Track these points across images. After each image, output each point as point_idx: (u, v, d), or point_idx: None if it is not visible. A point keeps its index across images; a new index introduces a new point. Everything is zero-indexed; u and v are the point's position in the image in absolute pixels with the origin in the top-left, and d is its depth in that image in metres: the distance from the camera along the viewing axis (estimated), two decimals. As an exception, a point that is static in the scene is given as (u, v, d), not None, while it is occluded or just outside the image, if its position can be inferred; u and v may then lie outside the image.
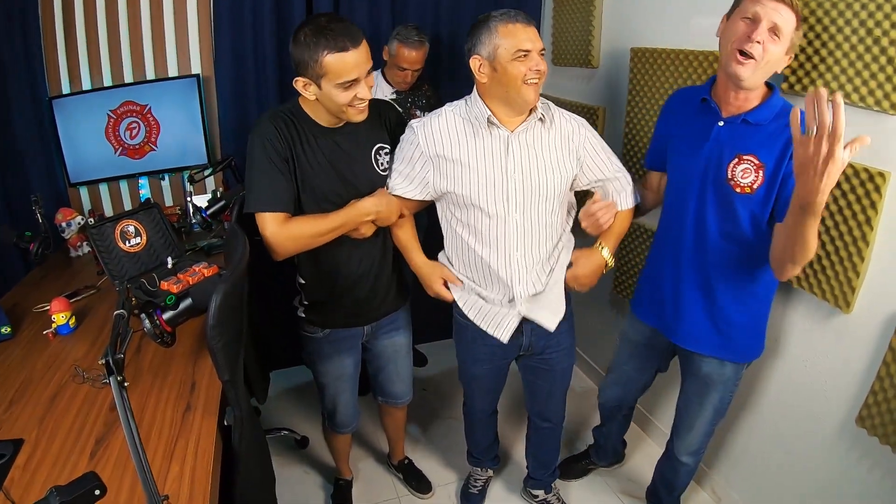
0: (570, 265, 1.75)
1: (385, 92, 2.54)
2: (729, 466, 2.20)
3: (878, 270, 1.57)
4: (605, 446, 2.36)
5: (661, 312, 1.79)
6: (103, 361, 0.86)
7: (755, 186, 1.48)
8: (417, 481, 2.39)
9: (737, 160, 1.51)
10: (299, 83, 1.51)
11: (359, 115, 1.55)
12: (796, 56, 1.63)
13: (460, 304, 1.82)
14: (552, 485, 2.27)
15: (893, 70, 1.43)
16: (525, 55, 1.49)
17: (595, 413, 2.76)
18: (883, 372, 1.54)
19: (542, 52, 1.53)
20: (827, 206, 1.62)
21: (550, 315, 1.77)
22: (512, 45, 1.48)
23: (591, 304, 2.92)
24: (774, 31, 1.39)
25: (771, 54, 1.40)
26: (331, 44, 1.41)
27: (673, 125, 1.72)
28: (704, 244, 1.62)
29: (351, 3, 2.65)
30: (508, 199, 1.62)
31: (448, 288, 1.81)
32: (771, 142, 1.46)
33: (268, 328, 2.69)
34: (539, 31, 2.87)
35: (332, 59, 1.42)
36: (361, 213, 1.62)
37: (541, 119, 1.62)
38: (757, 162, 1.48)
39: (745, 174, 1.50)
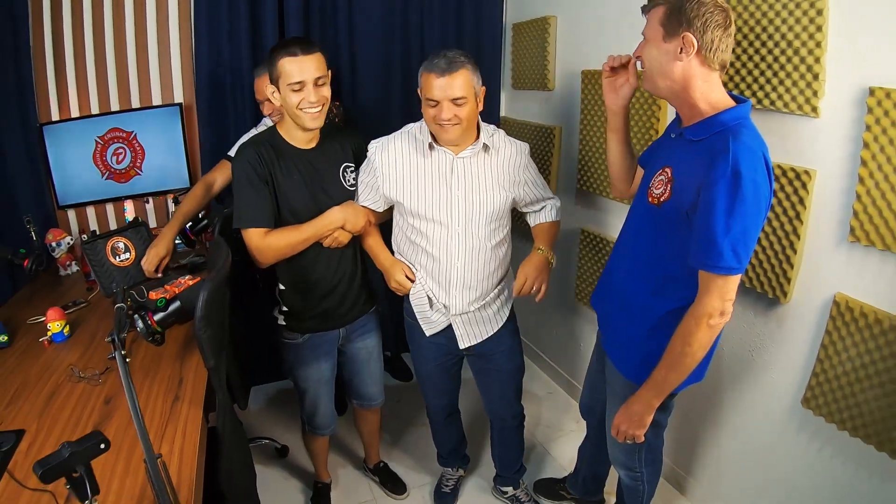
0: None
1: None
2: (691, 460, 2.30)
3: (810, 261, 1.70)
4: (578, 472, 2.29)
5: (599, 307, 1.83)
6: (110, 339, 1.01)
7: (661, 200, 1.45)
8: (393, 483, 2.51)
9: (661, 171, 1.49)
10: (269, 89, 1.75)
11: (311, 120, 1.74)
12: (727, 70, 1.77)
13: (411, 298, 1.98)
14: (520, 481, 2.40)
15: (812, 77, 1.58)
16: (434, 104, 1.68)
17: (565, 418, 2.94)
18: (822, 354, 1.67)
19: (458, 100, 1.67)
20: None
21: (466, 336, 1.98)
22: (425, 91, 1.69)
23: (555, 312, 3.10)
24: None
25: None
26: (285, 51, 1.68)
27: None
28: (632, 252, 1.63)
29: (323, 39, 2.84)
30: (451, 213, 1.82)
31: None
32: (690, 158, 1.39)
33: (249, 344, 2.81)
34: (501, 58, 3.08)
35: (283, 62, 1.68)
36: (330, 222, 1.82)
37: (484, 147, 1.82)
38: (669, 175, 1.45)
39: (659, 185, 1.48)
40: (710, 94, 1.38)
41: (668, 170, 1.46)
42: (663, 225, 1.47)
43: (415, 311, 1.98)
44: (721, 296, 1.34)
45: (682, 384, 1.56)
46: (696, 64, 1.34)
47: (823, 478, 1.77)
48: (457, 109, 1.67)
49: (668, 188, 1.43)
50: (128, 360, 1.78)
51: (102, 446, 0.94)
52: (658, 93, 1.46)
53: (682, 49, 1.34)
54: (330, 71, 1.78)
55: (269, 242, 1.75)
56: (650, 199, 1.50)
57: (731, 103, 1.38)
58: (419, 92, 1.74)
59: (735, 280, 1.34)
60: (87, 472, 0.92)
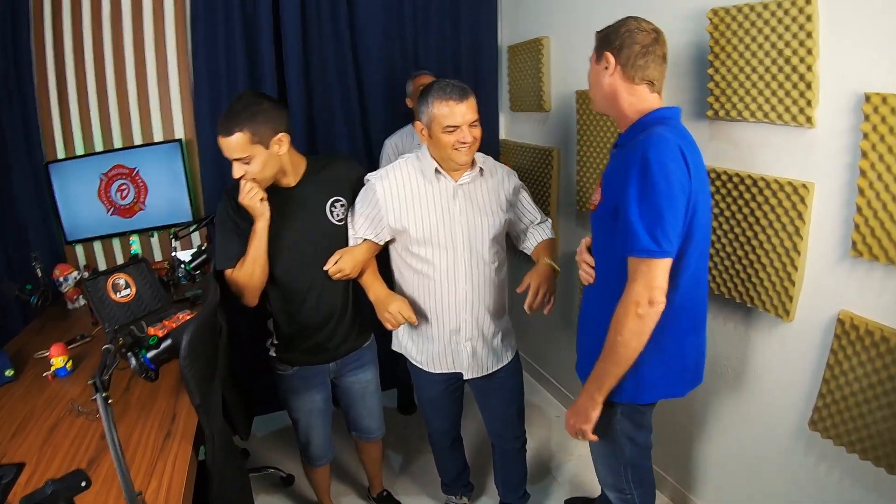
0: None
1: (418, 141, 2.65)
2: (696, 481, 2.27)
3: (812, 278, 1.66)
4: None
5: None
6: (92, 382, 1.02)
7: (596, 204, 1.56)
8: (396, 512, 2.48)
9: (599, 180, 1.61)
10: None
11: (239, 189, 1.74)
12: (717, 84, 1.78)
13: (411, 353, 2.03)
14: (524, 507, 2.35)
15: (805, 85, 1.55)
16: (454, 129, 1.70)
17: (572, 441, 2.87)
18: (828, 374, 1.62)
19: (474, 123, 1.73)
20: (757, 221, 1.74)
21: (488, 363, 1.99)
22: (442, 120, 1.70)
23: (560, 334, 3.08)
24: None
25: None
26: None
27: None
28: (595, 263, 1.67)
29: (323, 70, 2.89)
30: (455, 237, 1.83)
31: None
32: (616, 162, 1.52)
33: (251, 374, 2.82)
34: (498, 81, 3.09)
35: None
36: (259, 230, 1.77)
37: (480, 172, 1.86)
38: (600, 180, 1.58)
39: (595, 193, 1.59)
40: (639, 104, 1.50)
41: (601, 178, 1.58)
42: (600, 228, 1.56)
43: (430, 370, 2.00)
44: (646, 282, 1.36)
45: (656, 395, 1.59)
46: (618, 78, 1.50)
47: (832, 502, 1.71)
48: (474, 132, 1.74)
49: (599, 192, 1.55)
50: (126, 391, 1.84)
51: (84, 484, 0.97)
52: (598, 107, 1.61)
53: (606, 66, 1.51)
54: (278, 137, 1.73)
55: (235, 277, 1.81)
56: (590, 207, 1.61)
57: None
58: (429, 121, 1.74)
59: (659, 265, 1.36)
60: (70, 509, 0.93)
